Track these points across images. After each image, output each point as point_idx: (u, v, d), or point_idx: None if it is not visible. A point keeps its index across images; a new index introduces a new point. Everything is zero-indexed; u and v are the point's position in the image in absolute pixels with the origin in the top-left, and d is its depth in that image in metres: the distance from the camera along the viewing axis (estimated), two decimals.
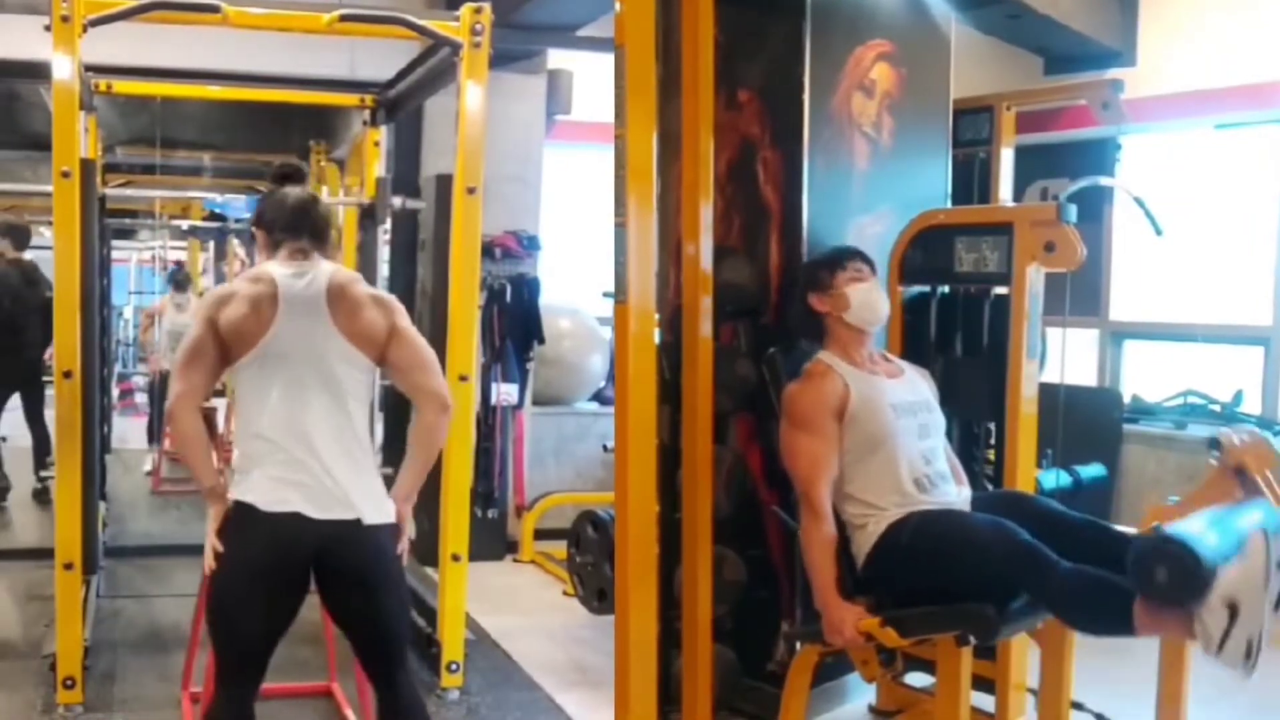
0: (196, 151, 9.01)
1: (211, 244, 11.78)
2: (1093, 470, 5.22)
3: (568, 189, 7.21)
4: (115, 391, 10.39)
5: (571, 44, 6.31)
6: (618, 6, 3.18)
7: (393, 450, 6.01)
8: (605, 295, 5.65)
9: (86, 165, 4.07)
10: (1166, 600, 2.48)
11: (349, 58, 5.88)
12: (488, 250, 5.96)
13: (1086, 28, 5.98)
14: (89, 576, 4.27)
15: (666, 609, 3.46)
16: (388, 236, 5.48)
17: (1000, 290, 3.66)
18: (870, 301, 3.18)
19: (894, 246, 3.81)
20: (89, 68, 4.71)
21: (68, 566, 3.86)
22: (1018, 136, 5.28)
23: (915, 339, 3.82)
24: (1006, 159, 5.21)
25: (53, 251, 3.86)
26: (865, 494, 3.06)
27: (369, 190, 5.38)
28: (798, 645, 3.31)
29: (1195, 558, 2.40)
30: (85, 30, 3.82)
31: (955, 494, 3.15)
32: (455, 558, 4.21)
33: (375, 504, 2.80)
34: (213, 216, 10.18)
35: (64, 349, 3.86)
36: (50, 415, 3.92)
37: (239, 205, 10.16)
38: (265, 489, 2.73)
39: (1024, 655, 3.50)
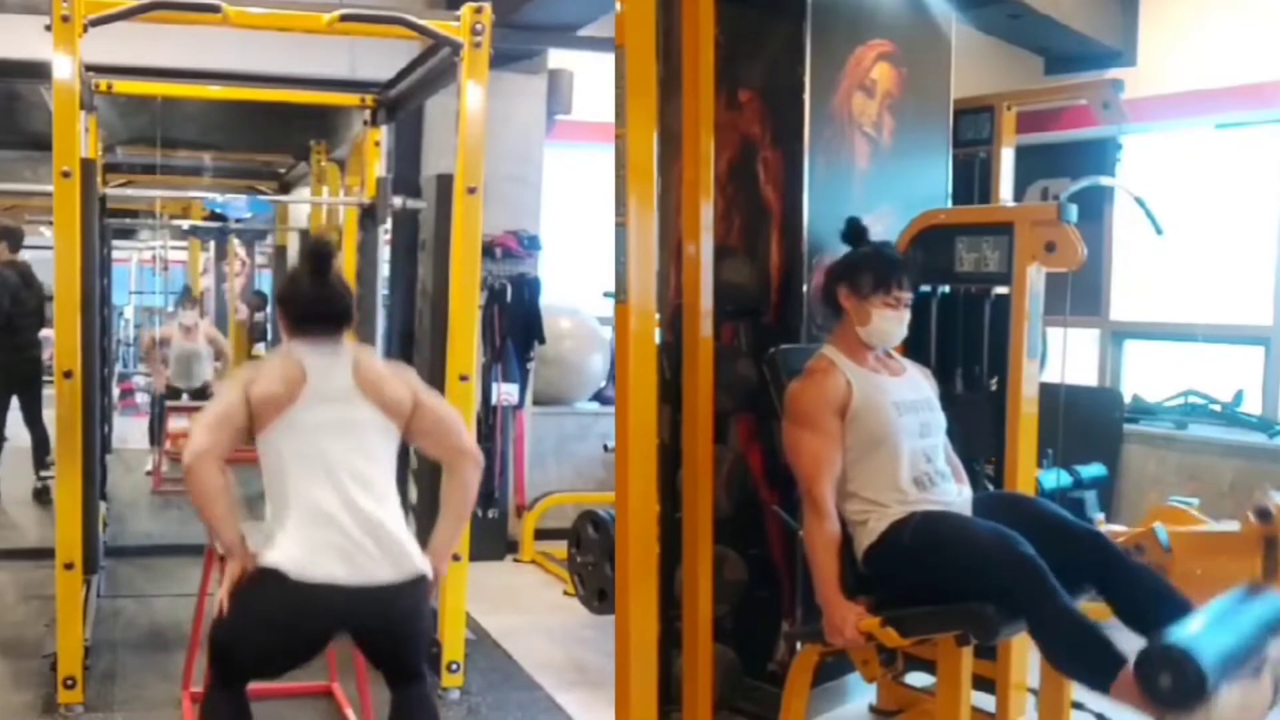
0: (197, 151, 9.00)
1: (212, 244, 11.76)
2: (1093, 470, 5.22)
3: (568, 189, 7.21)
4: (116, 391, 10.36)
5: (572, 44, 6.31)
6: (618, 6, 3.18)
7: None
8: (606, 295, 5.66)
9: (87, 165, 4.07)
10: (1161, 703, 2.48)
11: (349, 57, 5.88)
12: (488, 250, 5.96)
13: (1087, 27, 5.98)
14: (89, 576, 4.27)
15: (667, 609, 3.46)
16: (388, 236, 5.47)
17: (1001, 290, 3.66)
18: (889, 330, 3.17)
19: (894, 246, 3.81)
20: (89, 67, 4.71)
21: (68, 566, 3.86)
22: (1018, 136, 5.29)
23: (916, 338, 3.82)
24: (1007, 159, 5.22)
25: (53, 251, 3.87)
26: (866, 491, 3.06)
27: (369, 190, 5.38)
28: (798, 645, 3.31)
29: (1201, 679, 2.38)
30: (86, 30, 3.81)
31: (955, 493, 3.15)
32: (456, 557, 4.20)
33: (409, 560, 2.79)
34: (213, 216, 10.16)
35: (64, 349, 3.85)
36: (50, 415, 3.91)
37: (239, 205, 10.15)
38: (297, 552, 2.71)
39: (1024, 655, 3.50)
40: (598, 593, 4.75)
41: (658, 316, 3.32)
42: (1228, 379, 5.98)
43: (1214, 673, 2.39)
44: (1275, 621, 2.63)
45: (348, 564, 2.70)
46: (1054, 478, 4.60)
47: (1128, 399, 6.20)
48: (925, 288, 3.85)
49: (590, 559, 4.80)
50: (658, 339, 3.33)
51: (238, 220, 10.72)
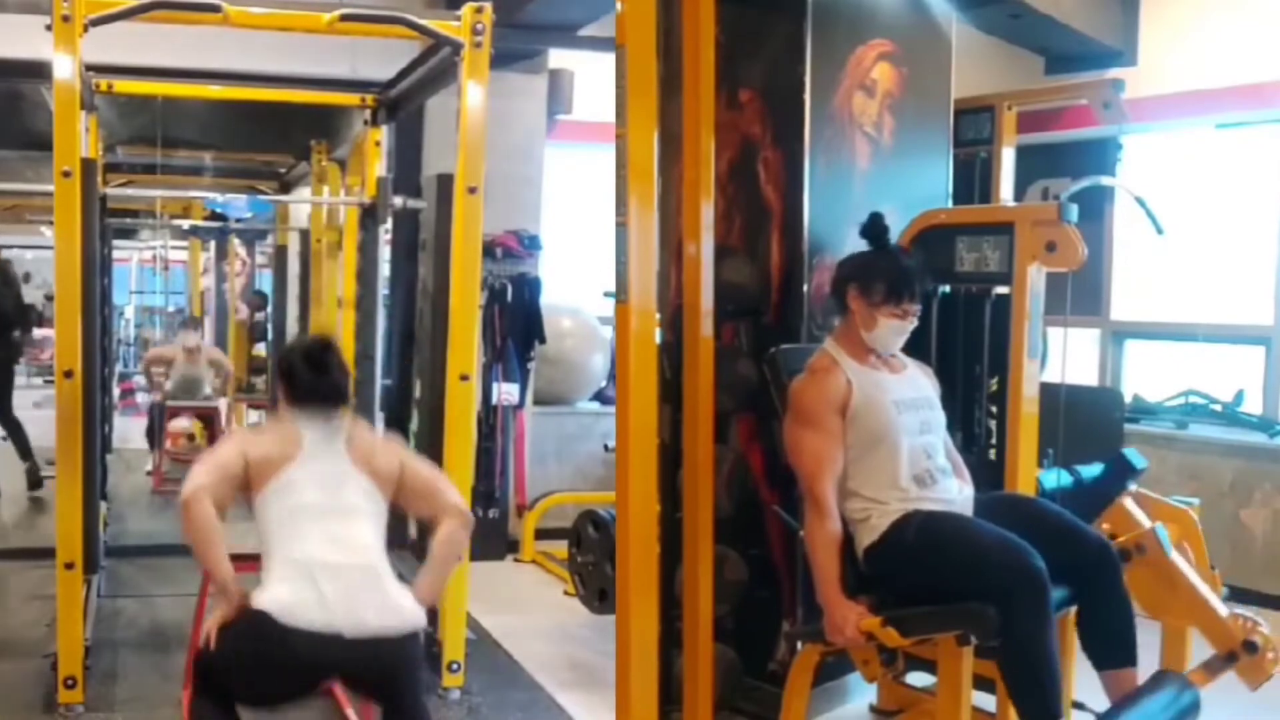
0: (197, 151, 9.00)
1: (212, 244, 11.78)
2: (1094, 470, 5.21)
3: (569, 188, 7.22)
4: (116, 391, 10.38)
5: (573, 43, 6.31)
6: (619, 6, 3.17)
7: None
8: (606, 295, 5.66)
9: (87, 165, 4.07)
10: None
11: (350, 57, 5.88)
12: (489, 250, 5.96)
13: (1087, 27, 5.98)
14: (90, 576, 4.27)
15: (667, 608, 3.46)
16: (389, 236, 5.48)
17: (1001, 290, 3.65)
18: (891, 340, 3.18)
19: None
20: (90, 67, 4.72)
21: (69, 566, 3.86)
22: (1019, 136, 5.29)
23: (916, 338, 3.81)
24: (1008, 158, 5.22)
25: (54, 251, 3.87)
26: (866, 489, 3.06)
27: (370, 190, 5.38)
28: (799, 645, 3.31)
29: None
30: (86, 30, 3.81)
31: (956, 490, 3.15)
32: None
33: (404, 613, 2.85)
34: (214, 216, 10.17)
35: (65, 348, 3.85)
36: (50, 415, 3.92)
37: (240, 205, 10.16)
38: (287, 598, 2.75)
39: None
40: (598, 592, 4.75)
41: (658, 316, 3.32)
42: (1228, 379, 5.98)
43: None
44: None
45: (339, 614, 2.74)
46: (1054, 478, 4.59)
47: (1128, 399, 6.19)
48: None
49: (591, 559, 4.80)
50: (658, 339, 3.33)
51: (238, 220, 10.73)
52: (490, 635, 4.90)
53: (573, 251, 7.32)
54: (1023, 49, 6.33)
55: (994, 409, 3.77)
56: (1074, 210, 3.43)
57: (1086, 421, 5.48)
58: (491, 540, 6.16)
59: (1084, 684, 3.42)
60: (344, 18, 4.20)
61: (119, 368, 12.16)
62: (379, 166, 5.61)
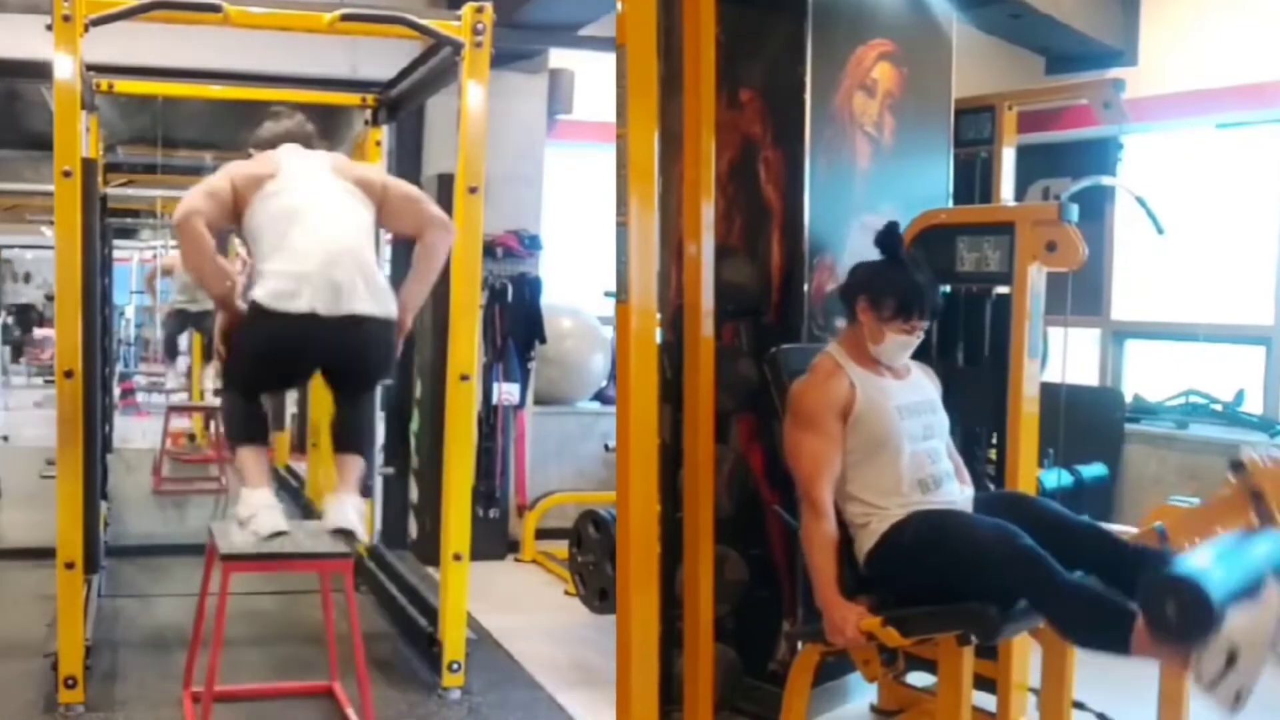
0: (198, 151, 9.00)
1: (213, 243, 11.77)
2: (1094, 470, 5.23)
3: (569, 188, 7.21)
4: (117, 391, 10.39)
5: (573, 43, 6.31)
6: (619, 6, 3.17)
7: (394, 453, 6.06)
8: (607, 295, 5.66)
9: (88, 164, 4.07)
10: (1171, 636, 2.46)
11: (350, 57, 5.88)
12: (489, 250, 5.96)
13: (1088, 27, 5.98)
14: (90, 576, 4.27)
15: (668, 608, 3.46)
16: (389, 236, 5.48)
17: (1002, 290, 3.66)
18: (897, 354, 3.18)
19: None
20: (90, 67, 4.71)
21: (69, 566, 3.86)
22: (1019, 136, 5.29)
23: None
24: (1008, 158, 5.22)
25: (54, 251, 3.87)
26: (868, 494, 3.06)
27: None
28: (799, 645, 3.31)
29: (1206, 600, 2.37)
30: (87, 29, 3.81)
31: (958, 493, 3.15)
32: (457, 557, 4.21)
33: (387, 302, 3.24)
34: None
35: (65, 348, 3.85)
36: (51, 414, 3.92)
37: None
38: (276, 288, 3.10)
39: (1026, 655, 3.50)
40: (599, 592, 4.75)
41: (659, 316, 3.32)
42: (1229, 379, 5.98)
43: (1219, 594, 2.37)
44: (1274, 549, 2.62)
45: (325, 298, 3.08)
46: (1055, 477, 4.60)
47: (1129, 399, 6.20)
48: None
49: (591, 559, 4.80)
50: (659, 339, 3.33)
51: None
52: (491, 635, 4.90)
53: (573, 251, 7.32)
54: (1023, 49, 6.33)
55: (992, 460, 3.77)
56: (1074, 210, 3.43)
57: (1087, 421, 5.50)
58: (492, 540, 6.17)
59: (1086, 683, 3.43)
60: (344, 17, 4.20)
61: (119, 367, 12.16)
62: (379, 166, 5.60)
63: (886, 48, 4.04)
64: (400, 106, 5.56)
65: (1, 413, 12.95)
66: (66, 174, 3.82)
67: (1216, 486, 5.51)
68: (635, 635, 3.18)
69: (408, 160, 6.37)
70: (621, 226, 3.18)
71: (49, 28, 3.80)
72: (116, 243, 10.29)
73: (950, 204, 4.37)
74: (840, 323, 3.58)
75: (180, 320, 9.26)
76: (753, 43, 3.90)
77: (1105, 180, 5.62)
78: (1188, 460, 5.69)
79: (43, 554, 4.65)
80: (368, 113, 5.63)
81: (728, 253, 3.81)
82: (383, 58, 5.56)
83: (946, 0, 4.29)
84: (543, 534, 6.35)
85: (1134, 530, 4.10)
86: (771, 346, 3.44)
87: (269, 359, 3.21)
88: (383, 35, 4.58)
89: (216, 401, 8.72)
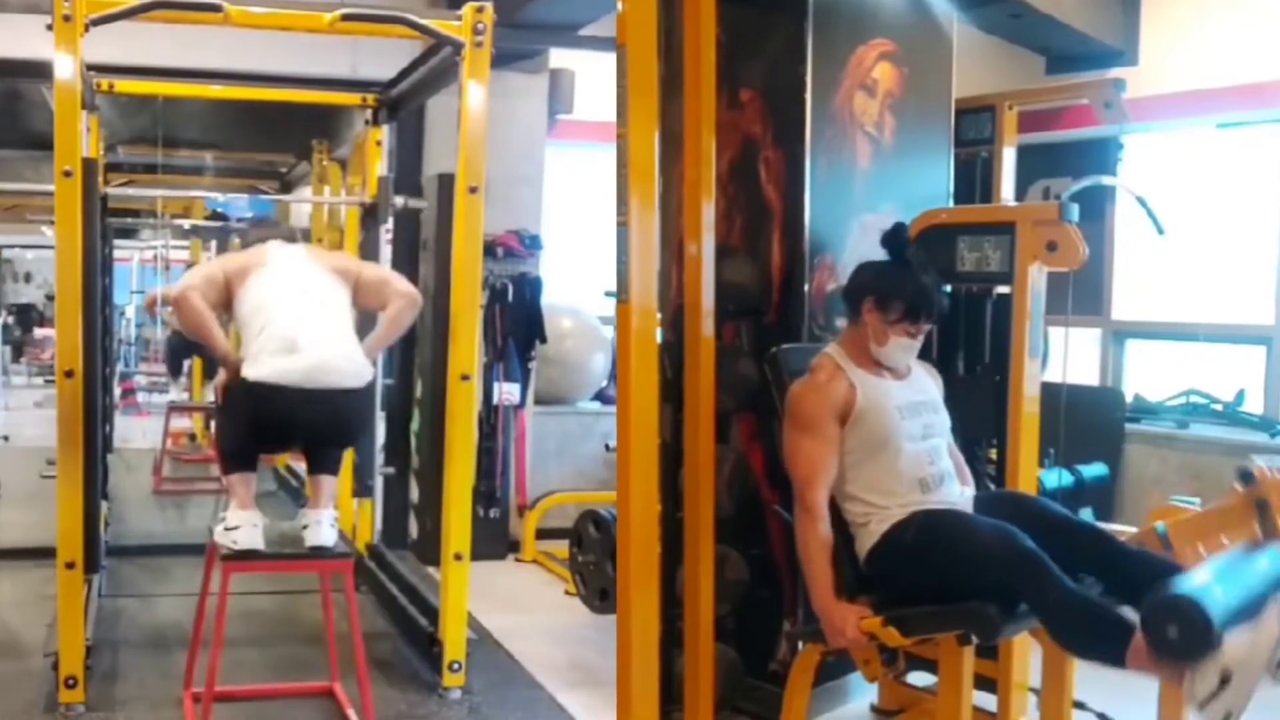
0: (198, 151, 9.02)
1: (214, 243, 11.76)
2: (1095, 469, 5.22)
3: (570, 188, 7.21)
4: (117, 391, 10.39)
5: (574, 43, 6.31)
6: (620, 6, 3.17)
7: (394, 453, 6.05)
8: (607, 294, 5.66)
9: (88, 164, 4.07)
10: (1170, 655, 2.45)
11: (351, 57, 5.88)
12: (490, 249, 5.96)
13: (1088, 27, 5.98)
14: (91, 576, 4.26)
15: (668, 608, 3.46)
16: (390, 236, 5.48)
17: (1002, 289, 3.66)
18: (900, 356, 3.17)
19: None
20: (91, 67, 4.71)
21: (70, 565, 3.87)
22: (1020, 136, 5.28)
23: None
24: (1008, 158, 5.21)
25: (55, 250, 3.87)
26: (868, 494, 3.06)
27: (371, 189, 5.39)
28: (800, 644, 3.31)
29: (1207, 623, 2.36)
30: (87, 29, 3.81)
31: (959, 493, 3.15)
32: (457, 557, 4.21)
33: (360, 373, 3.62)
34: (215, 216, 10.18)
35: (66, 348, 3.86)
36: (51, 414, 3.93)
37: (241, 204, 10.17)
38: (270, 369, 3.46)
39: (1026, 655, 3.50)
40: (599, 592, 4.75)
41: (659, 316, 3.32)
42: (1229, 379, 5.97)
43: (1219, 616, 2.36)
44: (1277, 568, 2.61)
45: (312, 376, 3.46)
46: (1055, 477, 4.59)
47: (1129, 398, 6.19)
48: None
49: (592, 558, 4.80)
50: (659, 338, 3.33)
51: (239, 219, 10.73)
52: (491, 635, 4.90)
53: (573, 251, 7.32)
54: (1023, 49, 6.32)
55: (992, 460, 3.77)
56: (1075, 210, 3.43)
57: (1087, 421, 5.50)
58: (492, 540, 6.17)
59: (1086, 683, 3.43)
60: (345, 17, 4.20)
61: (120, 367, 12.16)
62: (380, 166, 5.60)
63: (887, 47, 4.04)
64: (401, 106, 5.56)
65: (2, 412, 12.96)
66: (67, 174, 3.82)
67: (1217, 486, 5.52)
68: (636, 635, 3.18)
69: (408, 160, 6.38)
70: (622, 226, 3.18)
71: (49, 27, 3.80)
72: (117, 242, 10.27)
73: (951, 204, 4.36)
74: (841, 322, 3.58)
75: (184, 342, 9.23)
76: (753, 42, 3.90)
77: (1106, 180, 5.62)
78: (1188, 460, 5.68)
79: (43, 554, 4.65)
80: (368, 112, 5.63)
81: (728, 252, 3.81)
82: (383, 58, 5.56)
83: (947, 0, 4.28)
84: (543, 534, 6.35)
85: (1134, 530, 4.12)
86: (772, 346, 3.44)
87: (260, 430, 3.62)
88: (383, 35, 4.59)
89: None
